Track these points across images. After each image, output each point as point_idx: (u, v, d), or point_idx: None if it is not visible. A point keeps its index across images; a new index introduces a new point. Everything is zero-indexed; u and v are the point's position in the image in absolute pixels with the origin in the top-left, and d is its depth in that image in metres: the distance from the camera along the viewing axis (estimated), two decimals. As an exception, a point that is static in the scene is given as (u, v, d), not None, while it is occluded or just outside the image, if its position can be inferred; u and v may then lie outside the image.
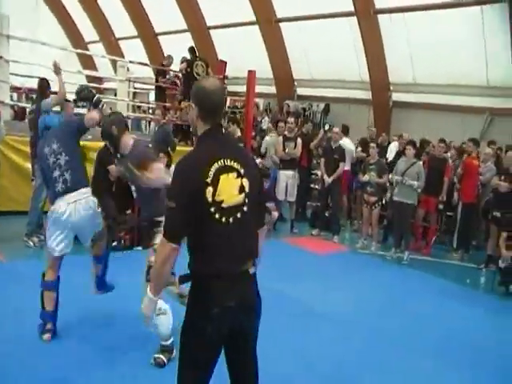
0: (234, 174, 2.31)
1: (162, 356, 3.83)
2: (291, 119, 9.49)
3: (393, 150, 10.11)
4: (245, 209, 2.33)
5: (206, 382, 2.37)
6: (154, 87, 12.66)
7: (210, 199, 2.23)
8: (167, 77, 12.02)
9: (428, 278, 6.92)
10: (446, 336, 4.90)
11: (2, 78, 9.31)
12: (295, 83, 16.37)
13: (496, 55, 11.36)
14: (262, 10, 15.84)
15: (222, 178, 2.26)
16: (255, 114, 13.55)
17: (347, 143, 9.71)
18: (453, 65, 12.00)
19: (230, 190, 2.28)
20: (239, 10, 16.29)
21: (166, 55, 12.96)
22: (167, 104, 12.12)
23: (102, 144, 7.15)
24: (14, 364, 3.64)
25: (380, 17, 13.00)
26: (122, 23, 21.93)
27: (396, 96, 13.65)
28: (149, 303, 2.41)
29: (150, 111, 14.34)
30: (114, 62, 17.27)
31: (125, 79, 12.99)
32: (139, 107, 14.71)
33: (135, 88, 14.46)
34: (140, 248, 6.71)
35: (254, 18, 16.24)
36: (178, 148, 9.22)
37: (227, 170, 2.29)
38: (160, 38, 21.05)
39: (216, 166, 2.26)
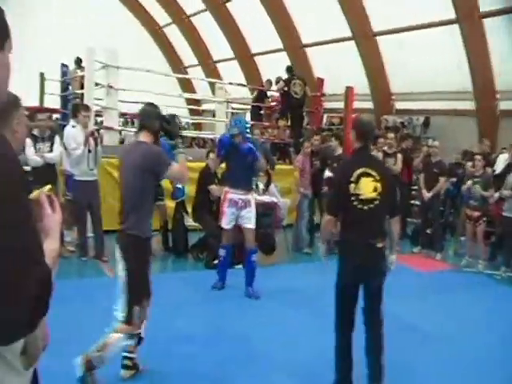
0: (371, 179, 3.51)
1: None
2: (391, 135, 9.46)
3: (502, 162, 9.68)
4: (376, 203, 3.50)
5: (349, 319, 3.61)
6: (250, 107, 13.08)
7: (352, 192, 3.46)
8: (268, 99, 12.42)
9: None
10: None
11: (111, 106, 10.12)
12: (393, 97, 16.15)
13: None
14: (358, 24, 15.83)
15: (362, 179, 3.48)
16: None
17: None
18: None
19: (366, 188, 3.48)
20: (335, 26, 16.37)
21: (265, 80, 13.37)
22: (266, 123, 12.49)
23: (203, 165, 7.58)
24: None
25: (485, 21, 12.55)
26: (219, 46, 22.83)
27: (504, 104, 13.01)
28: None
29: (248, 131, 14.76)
30: (211, 84, 17.98)
31: (223, 100, 13.52)
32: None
33: (233, 108, 14.95)
34: (241, 266, 6.96)
35: (350, 34, 16.27)
36: (277, 167, 9.48)
37: (366, 175, 3.50)
38: (256, 58, 21.64)
39: (359, 171, 3.49)
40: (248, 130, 6.16)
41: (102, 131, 9.49)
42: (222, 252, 6.13)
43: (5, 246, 1.13)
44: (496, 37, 12.56)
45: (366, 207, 3.48)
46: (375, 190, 3.50)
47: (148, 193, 3.61)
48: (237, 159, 5.89)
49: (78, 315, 4.78)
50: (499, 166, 9.62)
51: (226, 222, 5.97)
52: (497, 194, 7.78)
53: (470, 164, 8.93)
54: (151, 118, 3.74)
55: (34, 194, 1.46)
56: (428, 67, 14.04)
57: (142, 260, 3.59)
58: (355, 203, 3.47)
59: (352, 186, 3.46)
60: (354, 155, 3.76)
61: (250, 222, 5.96)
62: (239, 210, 5.90)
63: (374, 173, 3.52)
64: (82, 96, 10.07)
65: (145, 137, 3.68)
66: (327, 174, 8.22)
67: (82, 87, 10.59)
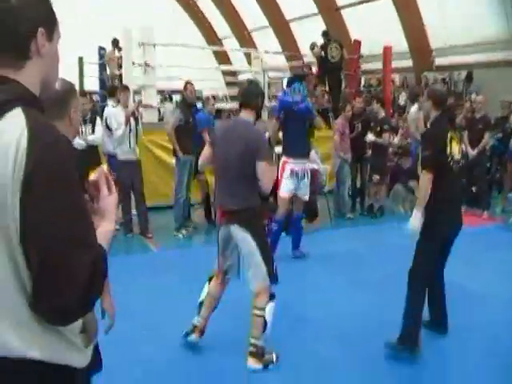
0: (456, 141, 3.90)
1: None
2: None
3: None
4: (460, 164, 3.94)
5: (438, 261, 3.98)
6: (287, 75, 12.90)
7: (448, 153, 3.80)
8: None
9: None
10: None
11: (150, 83, 10.22)
12: (433, 53, 15.61)
13: None
14: (393, -19, 15.33)
15: (453, 142, 3.86)
16: (392, 90, 13.25)
17: None
18: None
19: (456, 150, 3.87)
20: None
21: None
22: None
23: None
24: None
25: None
26: (252, 15, 22.56)
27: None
28: (415, 219, 3.75)
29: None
30: (247, 55, 17.86)
31: (260, 70, 13.41)
32: (274, 96, 15.10)
33: (270, 78, 14.83)
34: (284, 234, 6.99)
35: (385, -9, 15.78)
36: (317, 133, 9.40)
37: (453, 138, 3.87)
38: (291, 24, 21.29)
39: (449, 135, 3.84)
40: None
41: (141, 109, 9.61)
42: (274, 225, 5.92)
43: (59, 231, 1.18)
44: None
45: (455, 167, 3.88)
46: (460, 152, 3.96)
47: (254, 168, 3.55)
48: (295, 123, 5.79)
49: (128, 291, 4.92)
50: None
51: (285, 190, 5.83)
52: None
53: (512, 117, 8.64)
54: (254, 96, 3.77)
55: (92, 176, 1.50)
56: (469, 17, 13.47)
57: (262, 226, 3.93)
58: (451, 163, 3.84)
59: (448, 148, 3.81)
60: (439, 121, 3.96)
61: (306, 193, 5.93)
62: (299, 180, 5.83)
63: (455, 136, 3.96)
64: (120, 76, 10.21)
65: (248, 114, 3.73)
66: (370, 137, 8.12)
67: (120, 68, 10.73)
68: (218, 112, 15.28)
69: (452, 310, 4.16)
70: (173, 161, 7.28)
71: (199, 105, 8.78)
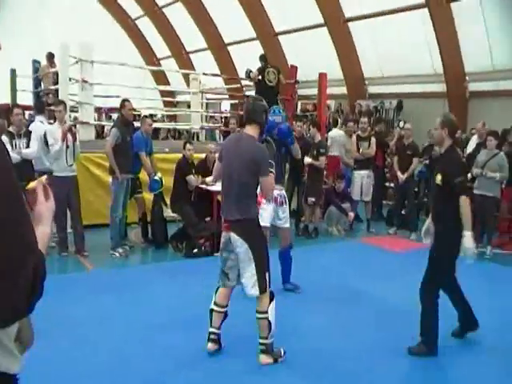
0: None
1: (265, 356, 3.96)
2: (364, 119, 9.53)
3: (474, 142, 9.81)
4: None
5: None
6: (224, 97, 13.08)
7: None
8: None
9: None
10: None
11: (86, 101, 10.08)
12: (366, 82, 16.29)
13: None
14: (330, 10, 15.90)
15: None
16: (327, 115, 13.66)
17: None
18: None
19: None
20: (307, 13, 16.44)
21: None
22: (241, 112, 12.51)
23: (180, 155, 7.62)
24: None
25: (453, 5, 12.70)
26: (191, 37, 22.75)
27: (473, 86, 13.24)
28: (469, 239, 4.00)
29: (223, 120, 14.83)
30: (185, 76, 17.95)
31: (198, 91, 13.52)
32: (212, 117, 15.25)
33: (207, 99, 14.98)
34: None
35: (322, 20, 16.34)
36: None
37: None
38: (229, 47, 21.62)
39: None
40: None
41: (77, 126, 9.44)
42: None
43: (5, 237, 1.20)
44: (463, 20, 12.75)
45: None
46: None
47: (255, 181, 3.87)
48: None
49: (60, 309, 4.81)
50: (471, 145, 9.78)
51: (267, 220, 5.26)
52: (469, 175, 7.95)
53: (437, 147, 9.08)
54: (260, 113, 3.93)
55: (31, 184, 1.53)
56: (400, 52, 14.23)
57: (262, 235, 4.07)
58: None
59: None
60: (455, 149, 4.36)
61: (287, 221, 5.57)
62: (278, 207, 5.45)
63: None
64: (56, 92, 10.00)
65: (253, 130, 3.92)
66: (307, 160, 8.30)
67: (55, 83, 10.51)
68: (156, 131, 15.29)
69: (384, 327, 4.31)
70: (109, 179, 7.17)
71: (137, 124, 8.72)
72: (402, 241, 8.46)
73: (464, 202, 4.07)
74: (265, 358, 3.93)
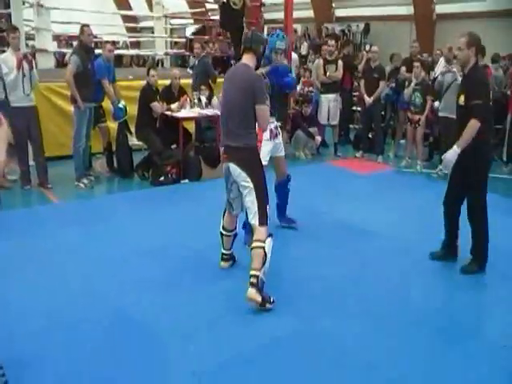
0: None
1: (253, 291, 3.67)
2: (331, 42, 9.31)
3: (442, 64, 9.67)
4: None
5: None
6: (189, 21, 12.60)
7: (490, 96, 4.24)
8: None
9: None
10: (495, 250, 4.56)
11: (44, 26, 9.54)
12: (333, 5, 15.84)
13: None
14: None
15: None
16: (294, 39, 13.33)
17: None
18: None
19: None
20: None
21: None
22: (206, 37, 12.14)
23: (143, 82, 7.36)
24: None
25: None
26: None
27: (440, 8, 13.02)
28: (454, 154, 4.15)
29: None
30: (148, 0, 17.15)
31: (162, 16, 12.97)
32: (176, 43, 14.71)
33: (171, 24, 14.37)
34: (187, 181, 7.05)
35: None
36: (218, 80, 9.30)
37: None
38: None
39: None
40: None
41: (36, 54, 8.99)
42: None
43: None
44: None
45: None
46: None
47: (253, 109, 3.80)
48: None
49: (28, 243, 4.74)
50: (440, 68, 9.64)
51: (266, 158, 4.89)
52: (436, 103, 7.94)
53: (403, 69, 9.00)
54: (257, 42, 3.93)
55: None
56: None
57: (261, 165, 4.01)
58: (491, 104, 4.28)
59: (491, 92, 4.23)
60: (479, 68, 4.33)
61: (282, 150, 5.25)
62: (273, 139, 5.08)
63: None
64: (8, 16, 9.42)
65: (250, 59, 3.91)
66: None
67: (6, 6, 9.87)
68: (119, 59, 14.72)
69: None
70: (71, 109, 6.90)
71: (98, 51, 8.30)
72: (369, 163, 8.49)
73: (472, 124, 4.04)
74: (253, 294, 3.63)
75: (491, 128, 4.58)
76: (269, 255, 3.74)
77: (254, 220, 3.82)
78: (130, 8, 22.60)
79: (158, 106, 7.15)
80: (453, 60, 8.04)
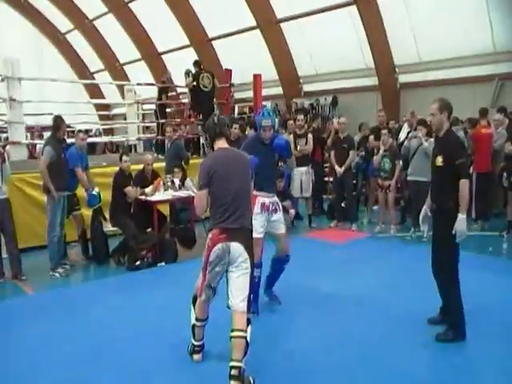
0: None
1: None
2: (300, 116, 9.62)
3: (406, 129, 10.11)
4: None
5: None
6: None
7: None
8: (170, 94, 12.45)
9: None
10: (477, 309, 4.78)
11: (16, 120, 9.82)
12: (301, 81, 16.59)
13: (500, 18, 11.41)
14: (262, 13, 16.10)
15: None
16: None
17: None
18: (456, 36, 12.06)
19: None
20: (239, 17, 16.60)
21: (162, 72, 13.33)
22: (177, 120, 12.55)
23: (117, 168, 7.56)
24: None
25: (380, 1, 13.11)
26: (124, 48, 22.53)
27: (403, 78, 13.73)
28: (464, 221, 4.19)
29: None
30: (120, 88, 17.77)
31: (133, 102, 13.43)
32: (148, 127, 15.16)
33: (143, 110, 14.86)
34: (163, 264, 7.11)
35: (254, 23, 16.54)
36: (191, 161, 9.56)
37: None
38: (163, 56, 21.54)
39: None
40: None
41: (8, 147, 9.22)
42: (257, 272, 4.86)
43: None
44: (390, 15, 13.20)
45: None
46: None
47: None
48: (265, 157, 4.96)
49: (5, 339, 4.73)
50: (403, 133, 10.10)
51: (259, 230, 4.86)
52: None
53: (372, 137, 9.41)
54: (225, 126, 4.07)
55: None
56: (332, 49, 14.59)
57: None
58: None
59: None
60: (452, 131, 4.57)
61: (282, 226, 5.22)
62: (270, 215, 5.08)
63: None
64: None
65: (226, 143, 4.03)
66: None
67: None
68: (93, 146, 15.05)
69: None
70: (45, 199, 7.03)
71: (71, 140, 8.56)
72: (344, 232, 8.68)
73: (463, 184, 4.21)
74: None
75: None
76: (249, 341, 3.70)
77: (243, 304, 3.73)
78: (102, 96, 23.35)
79: (131, 191, 7.31)
80: (415, 125, 8.49)
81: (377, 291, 5.66)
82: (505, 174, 7.89)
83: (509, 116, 9.43)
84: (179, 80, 12.91)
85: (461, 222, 4.17)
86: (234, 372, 3.56)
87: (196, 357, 4.16)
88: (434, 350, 4.29)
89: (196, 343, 4.17)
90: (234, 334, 3.66)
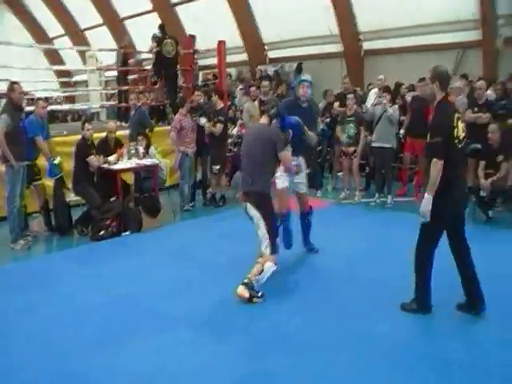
0: (461, 120, 4.00)
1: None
2: (265, 82, 9.46)
3: (372, 96, 10.02)
4: (464, 140, 4.04)
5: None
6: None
7: (456, 135, 3.93)
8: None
9: (413, 217, 6.91)
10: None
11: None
12: (266, 47, 16.36)
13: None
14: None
15: (459, 122, 3.96)
16: (229, 83, 13.63)
17: None
18: (419, 3, 12.02)
19: (461, 129, 3.97)
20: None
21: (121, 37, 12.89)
22: (141, 87, 12.24)
23: (78, 137, 7.34)
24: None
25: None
26: (85, 14, 21.75)
27: (367, 44, 13.65)
28: (428, 201, 3.95)
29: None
30: (81, 54, 17.19)
31: (95, 69, 13.02)
32: (113, 95, 14.76)
33: (106, 77, 14.41)
34: (128, 233, 6.98)
35: (218, -13, 16.15)
36: (156, 129, 9.39)
37: (458, 118, 3.97)
38: (126, 22, 20.89)
39: (455, 116, 3.96)
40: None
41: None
42: (284, 221, 5.54)
43: None
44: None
45: (460, 146, 4.01)
46: (463, 130, 4.04)
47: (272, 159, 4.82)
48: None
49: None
50: (370, 99, 10.02)
51: (283, 184, 5.51)
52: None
53: (336, 104, 9.36)
54: (271, 107, 4.99)
55: None
56: (297, 15, 14.32)
57: (271, 208, 4.85)
58: (457, 144, 3.98)
59: (455, 130, 3.94)
60: (445, 103, 4.07)
61: (303, 187, 5.87)
62: (293, 176, 5.60)
63: (459, 115, 4.07)
64: None
65: (265, 119, 4.94)
66: (202, 121, 8.23)
67: None
68: (53, 114, 14.60)
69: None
70: (2, 169, 6.78)
71: (30, 108, 8.23)
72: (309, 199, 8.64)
73: (435, 163, 3.90)
74: (242, 289, 4.53)
75: (456, 173, 4.04)
76: (266, 274, 4.57)
77: (266, 250, 4.68)
78: (63, 63, 22.58)
79: (94, 160, 7.13)
80: (381, 91, 8.47)
81: (341, 258, 5.70)
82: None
83: (469, 83, 9.50)
84: (142, 46, 12.54)
85: (423, 204, 3.98)
86: (244, 280, 4.56)
87: None
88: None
89: None
90: (257, 259, 4.70)
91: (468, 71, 10.71)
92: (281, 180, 5.47)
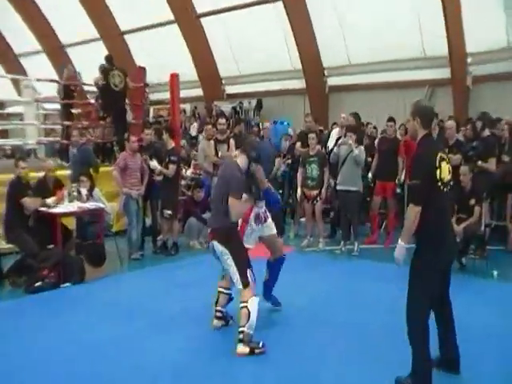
0: (446, 161, 3.91)
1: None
2: (222, 120, 9.64)
3: (334, 136, 10.20)
4: (450, 184, 3.97)
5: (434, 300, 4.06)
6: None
7: (438, 177, 3.82)
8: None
9: (381, 267, 7.08)
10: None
11: None
12: (223, 82, 16.73)
13: (430, 25, 12.05)
14: (180, 6, 16.11)
15: (443, 163, 3.86)
16: (182, 120, 13.80)
17: None
18: (387, 40, 12.63)
19: (445, 171, 3.87)
20: (155, 10, 16.52)
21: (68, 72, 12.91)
22: (85, 123, 12.26)
23: (12, 176, 7.30)
24: None
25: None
26: (22, 38, 21.75)
27: (332, 80, 14.18)
28: (400, 249, 3.91)
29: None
30: (16, 83, 17.14)
31: (32, 100, 12.95)
32: (53, 130, 14.69)
33: (44, 109, 14.34)
34: (68, 284, 6.87)
35: (172, 17, 16.52)
36: (101, 169, 9.38)
37: (443, 159, 3.88)
38: (68, 49, 21.03)
39: (439, 156, 3.85)
40: None
41: None
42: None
43: None
44: (320, 13, 13.60)
45: (445, 190, 3.91)
46: (449, 172, 3.96)
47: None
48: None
49: None
50: (333, 139, 10.26)
51: (252, 242, 5.54)
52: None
53: (298, 144, 9.61)
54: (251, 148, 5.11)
55: None
56: (257, 48, 14.81)
57: (238, 241, 5.04)
58: (441, 188, 3.87)
59: (437, 171, 3.83)
60: (427, 142, 3.99)
61: (272, 228, 5.79)
62: (261, 224, 5.62)
63: (445, 156, 3.99)
64: None
65: (242, 159, 5.04)
66: (154, 164, 8.28)
67: None
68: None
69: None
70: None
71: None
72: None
73: (412, 209, 3.83)
74: (241, 348, 4.66)
75: (443, 220, 4.00)
76: (254, 311, 4.66)
77: (238, 284, 4.79)
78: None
79: (30, 202, 7.09)
80: (345, 131, 8.71)
81: (301, 308, 5.83)
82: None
83: (439, 124, 9.93)
84: (87, 77, 12.63)
85: (396, 250, 3.96)
86: (239, 336, 4.69)
87: (215, 322, 5.27)
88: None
89: (218, 308, 5.28)
90: (240, 305, 4.78)
91: (438, 109, 11.23)
92: (250, 239, 5.46)
